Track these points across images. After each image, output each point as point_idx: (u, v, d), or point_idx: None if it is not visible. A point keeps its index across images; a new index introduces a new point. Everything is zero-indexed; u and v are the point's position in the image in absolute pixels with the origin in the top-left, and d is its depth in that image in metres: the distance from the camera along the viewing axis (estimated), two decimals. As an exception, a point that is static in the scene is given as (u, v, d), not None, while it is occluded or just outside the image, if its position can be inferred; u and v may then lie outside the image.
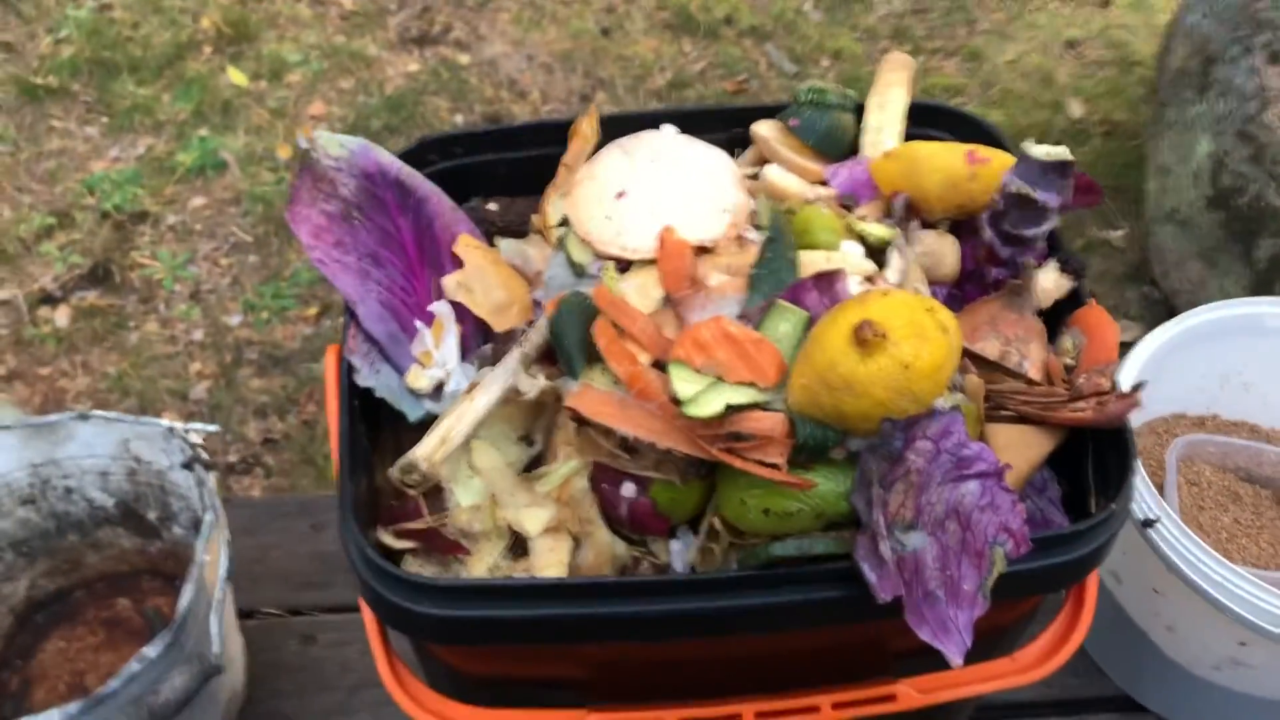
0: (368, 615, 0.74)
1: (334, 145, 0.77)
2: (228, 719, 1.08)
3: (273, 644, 1.15)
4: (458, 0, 2.97)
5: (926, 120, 0.85)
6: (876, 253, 0.75)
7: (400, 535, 0.72)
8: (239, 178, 2.55)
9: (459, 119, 2.70)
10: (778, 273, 0.70)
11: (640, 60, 2.87)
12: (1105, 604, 1.08)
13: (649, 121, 0.86)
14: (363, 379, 0.74)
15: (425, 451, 0.68)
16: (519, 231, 0.86)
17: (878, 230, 0.75)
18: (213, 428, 1.01)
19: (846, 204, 0.79)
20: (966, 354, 0.73)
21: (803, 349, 0.66)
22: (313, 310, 2.43)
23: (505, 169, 0.87)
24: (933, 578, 0.64)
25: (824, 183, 0.81)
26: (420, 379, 0.74)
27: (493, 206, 0.87)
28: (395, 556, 0.73)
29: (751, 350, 0.66)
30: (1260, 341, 1.11)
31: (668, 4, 3.00)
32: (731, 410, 0.63)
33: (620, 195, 0.76)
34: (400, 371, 0.75)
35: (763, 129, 0.84)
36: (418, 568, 0.72)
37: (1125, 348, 1.10)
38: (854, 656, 0.76)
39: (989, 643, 0.76)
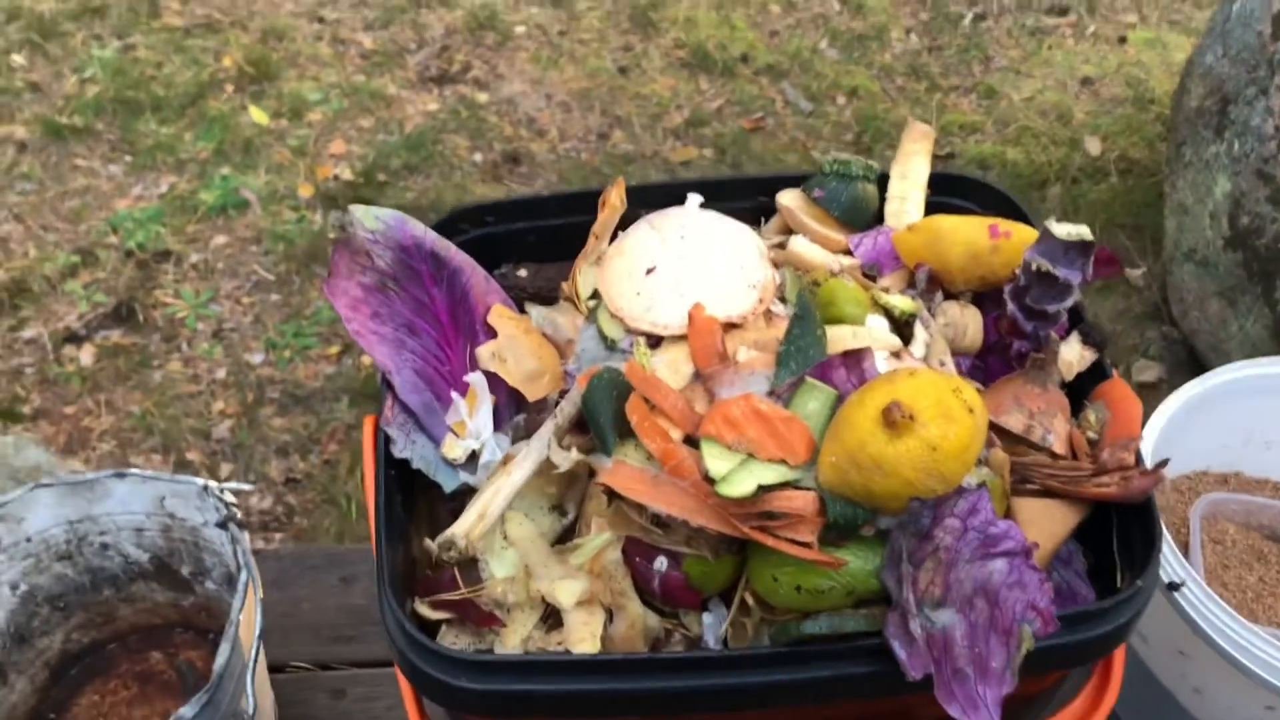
0: (404, 684, 0.76)
1: (370, 219, 0.79)
2: (258, 774, 1.10)
3: (303, 698, 1.16)
4: (477, 39, 3.01)
5: (948, 189, 0.87)
6: (900, 324, 0.76)
7: (436, 606, 0.73)
8: (260, 216, 2.58)
9: (478, 157, 2.73)
10: (806, 350, 0.72)
11: (657, 98, 2.90)
12: (1132, 665, 1.09)
13: (676, 191, 0.88)
14: (399, 450, 0.76)
15: (464, 529, 0.70)
16: (549, 298, 0.88)
17: (902, 303, 0.77)
18: (247, 486, 1.03)
19: (870, 274, 0.81)
20: (992, 428, 0.75)
21: (832, 427, 0.67)
22: (334, 349, 2.46)
23: (535, 236, 0.89)
24: (961, 655, 0.65)
25: (848, 252, 0.83)
26: (455, 449, 0.76)
27: (523, 273, 0.89)
28: (431, 627, 0.75)
29: (781, 428, 0.67)
30: (1280, 399, 1.12)
31: (685, 43, 3.03)
32: (763, 490, 0.65)
33: (650, 271, 0.78)
34: (435, 441, 0.77)
35: (787, 199, 0.86)
36: (453, 638, 0.73)
37: (1145, 389, 1.10)
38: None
39: (1015, 714, 0.78)
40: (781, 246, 0.84)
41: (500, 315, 0.81)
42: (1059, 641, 0.68)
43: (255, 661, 0.97)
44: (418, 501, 0.79)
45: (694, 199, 0.87)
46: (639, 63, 3.00)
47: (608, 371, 0.73)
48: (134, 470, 1.06)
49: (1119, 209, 2.63)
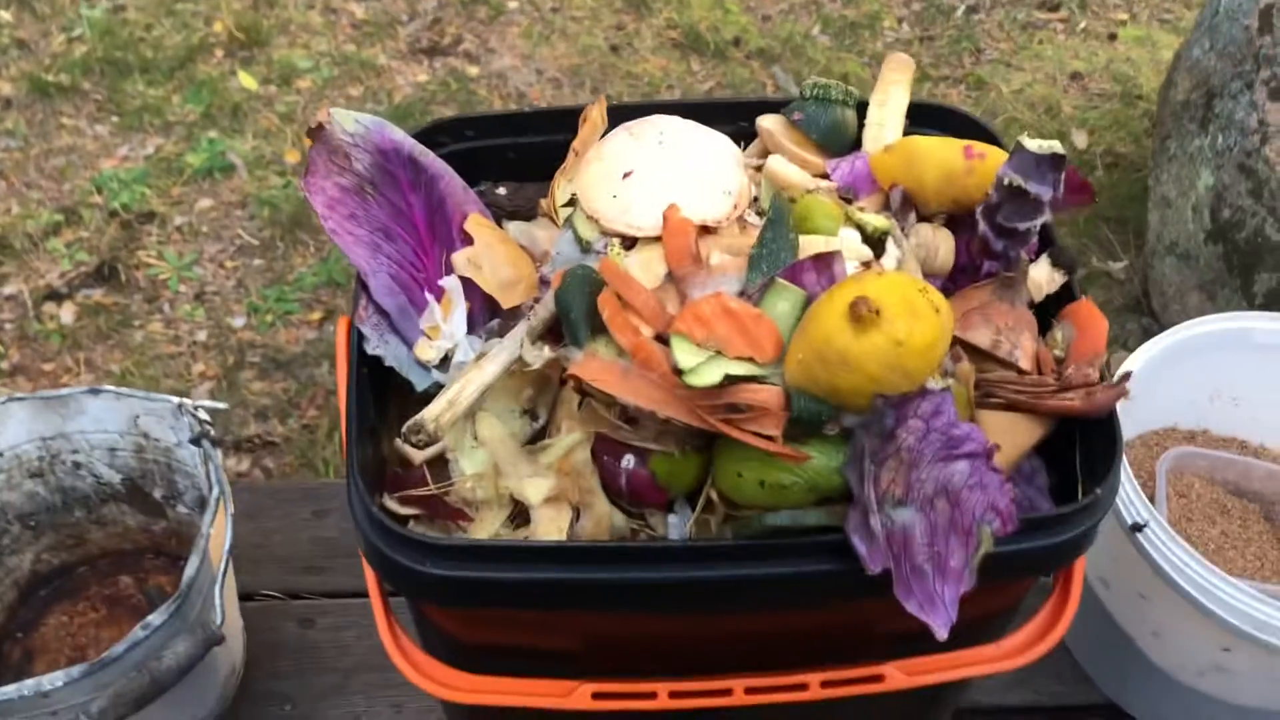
0: (371, 579, 0.77)
1: (349, 121, 0.80)
2: (226, 696, 1.11)
3: (271, 626, 1.17)
4: (469, 13, 3.01)
5: (926, 119, 0.88)
6: (874, 243, 0.78)
7: (405, 502, 0.74)
8: (246, 181, 2.59)
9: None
10: (777, 253, 0.73)
11: (648, 78, 2.91)
12: (1093, 610, 1.10)
13: (658, 111, 0.89)
14: (372, 347, 0.77)
15: (433, 413, 0.71)
16: (527, 215, 0.89)
17: (875, 220, 0.78)
18: (221, 405, 1.04)
19: (846, 196, 0.82)
20: (958, 342, 0.76)
21: (800, 326, 0.68)
22: (316, 315, 2.46)
23: (515, 154, 0.90)
24: (921, 553, 0.66)
25: (825, 175, 0.84)
26: (428, 351, 0.77)
27: (502, 191, 0.90)
28: (399, 523, 0.76)
29: (750, 325, 0.68)
30: (1249, 357, 1.14)
31: (677, 23, 3.04)
32: (730, 381, 0.66)
33: (627, 175, 0.79)
34: (408, 344, 0.78)
35: (767, 122, 0.87)
36: (420, 533, 0.74)
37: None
38: (843, 638, 0.79)
39: (975, 630, 0.79)
40: (759, 169, 0.86)
41: (477, 223, 0.82)
42: (1019, 547, 0.70)
43: (224, 575, 0.98)
44: (389, 403, 0.80)
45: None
46: (630, 42, 3.01)
47: (582, 269, 0.74)
48: (108, 387, 1.06)
49: (1104, 202, 2.65)
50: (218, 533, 0.99)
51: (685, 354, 0.67)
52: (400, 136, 0.82)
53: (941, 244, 0.80)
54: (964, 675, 0.78)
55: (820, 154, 0.86)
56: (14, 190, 2.56)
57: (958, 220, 0.81)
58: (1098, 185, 2.74)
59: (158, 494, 1.13)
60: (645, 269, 0.74)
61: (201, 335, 2.45)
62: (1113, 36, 3.06)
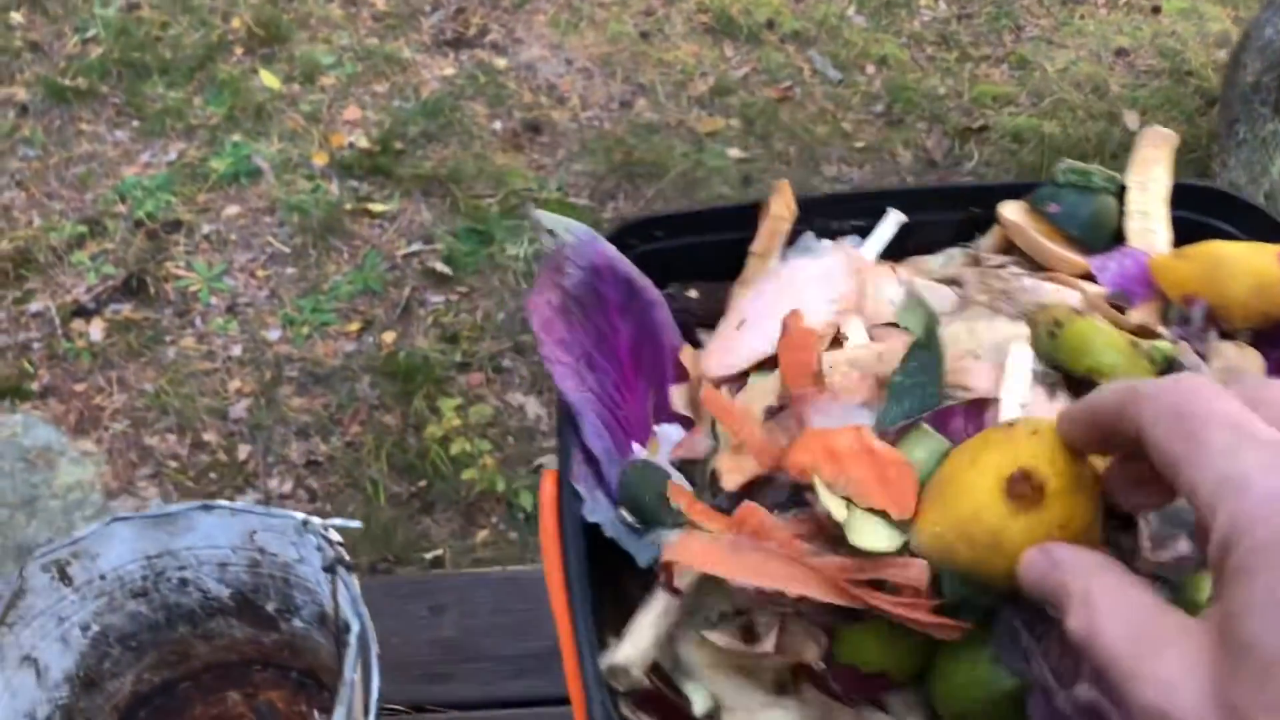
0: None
1: (560, 227, 0.65)
2: (357, 830, 0.97)
3: (394, 740, 1.04)
4: (493, 1, 2.84)
5: (1193, 204, 0.74)
6: (1159, 371, 0.64)
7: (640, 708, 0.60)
8: (274, 185, 2.43)
9: (497, 125, 2.58)
10: (925, 387, 0.59)
11: (681, 65, 2.75)
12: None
13: (867, 203, 0.75)
14: (590, 512, 0.62)
15: (628, 657, 0.57)
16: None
17: (1164, 347, 0.64)
18: (355, 524, 0.89)
19: (1118, 304, 0.69)
20: None
21: (934, 486, 0.54)
22: (354, 326, 2.32)
23: (707, 253, 0.75)
24: None
25: (1088, 277, 0.70)
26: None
27: (693, 294, 0.75)
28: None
29: (893, 474, 0.54)
30: None
31: (708, 7, 2.88)
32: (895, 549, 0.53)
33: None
34: (614, 500, 0.64)
35: (1012, 213, 0.72)
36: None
37: None
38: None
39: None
40: (1001, 266, 0.71)
41: (692, 359, 0.68)
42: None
43: (373, 725, 0.84)
44: (598, 569, 0.66)
45: (894, 215, 0.74)
46: (661, 28, 2.84)
47: (642, 462, 0.61)
48: (222, 503, 0.92)
49: (1158, 185, 2.53)
50: (362, 678, 0.85)
51: (831, 500, 0.53)
52: (614, 253, 0.67)
53: (1251, 367, 0.67)
54: None
55: (1078, 250, 0.72)
56: (34, 201, 2.40)
57: (1262, 336, 0.68)
58: (1151, 168, 2.60)
59: (271, 608, 0.99)
60: (750, 407, 0.61)
61: (236, 350, 2.30)
62: (1156, 9, 2.92)
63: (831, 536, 0.56)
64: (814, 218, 0.73)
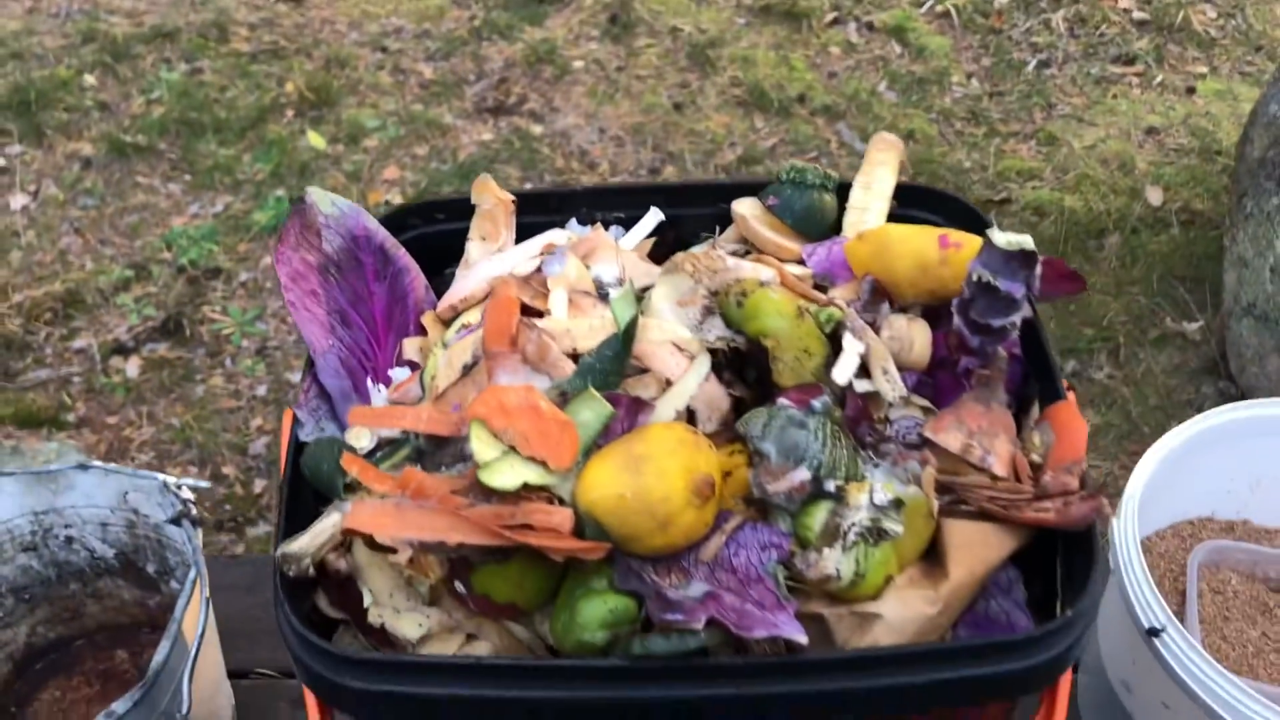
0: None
1: (326, 203, 0.77)
2: (211, 778, 1.08)
3: (264, 705, 1.14)
4: (535, 72, 3.01)
5: (914, 201, 0.82)
6: (831, 336, 0.72)
7: (334, 606, 0.70)
8: (311, 238, 2.60)
9: (528, 187, 2.73)
10: (608, 370, 0.69)
11: (711, 135, 2.88)
12: (1113, 707, 1.02)
13: (639, 196, 0.85)
14: (305, 434, 0.74)
15: (296, 548, 0.67)
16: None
17: (829, 311, 0.72)
18: (205, 484, 1.01)
19: (822, 285, 0.77)
20: (929, 445, 0.70)
21: (625, 456, 0.65)
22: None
23: (488, 238, 0.86)
24: (740, 602, 0.62)
25: (801, 262, 0.79)
26: (361, 438, 0.73)
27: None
28: (333, 625, 0.72)
29: (555, 429, 0.65)
30: (1290, 443, 1.05)
31: (742, 81, 3.01)
32: (526, 488, 0.62)
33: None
34: (343, 428, 0.75)
35: (742, 207, 0.82)
36: (351, 639, 0.70)
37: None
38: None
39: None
40: (737, 255, 0.81)
41: (433, 320, 0.79)
42: (983, 671, 0.63)
43: (194, 661, 0.95)
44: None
45: (654, 213, 0.84)
46: (694, 100, 2.98)
47: (323, 438, 0.72)
48: (96, 463, 1.05)
49: (1178, 261, 2.54)
50: (191, 617, 0.96)
51: (483, 447, 0.63)
52: (374, 226, 0.79)
53: (917, 337, 0.74)
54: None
55: (796, 239, 0.81)
56: (89, 247, 2.61)
57: (936, 313, 0.75)
58: (1173, 243, 2.63)
59: (150, 569, 1.11)
60: (450, 361, 0.71)
61: (261, 390, 2.46)
62: (1191, 90, 2.95)
63: (486, 488, 0.66)
64: (579, 207, 0.83)
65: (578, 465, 0.67)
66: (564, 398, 0.68)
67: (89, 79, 2.90)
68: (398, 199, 2.67)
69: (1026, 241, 0.69)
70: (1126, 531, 0.95)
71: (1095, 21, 3.10)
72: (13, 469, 1.04)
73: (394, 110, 2.85)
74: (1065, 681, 0.71)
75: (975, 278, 0.70)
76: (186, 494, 1.00)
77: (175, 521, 0.99)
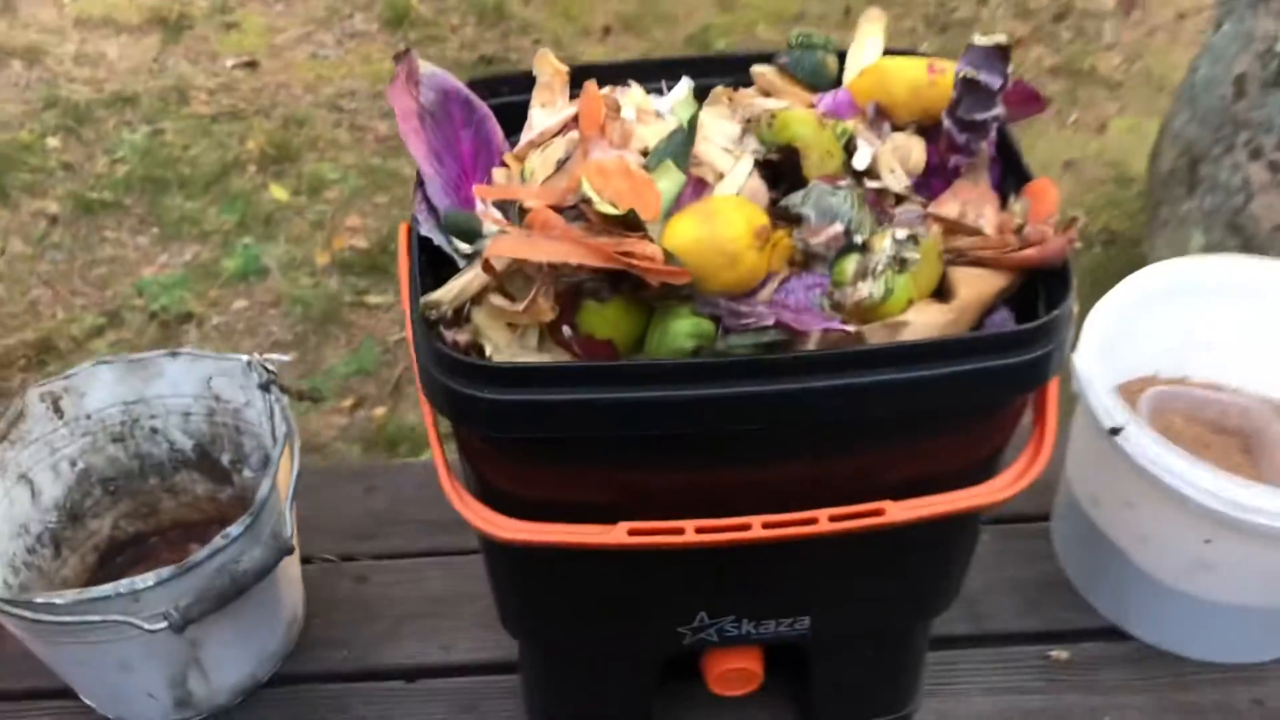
0: (431, 431, 0.92)
1: (423, 65, 0.98)
2: (290, 638, 1.23)
3: (328, 584, 1.30)
4: (488, 127, 3.25)
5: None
6: (847, 146, 0.94)
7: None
8: (280, 282, 2.78)
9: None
10: (679, 150, 0.93)
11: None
12: (1086, 531, 1.23)
13: (670, 67, 1.07)
14: (424, 230, 0.94)
15: (444, 294, 0.88)
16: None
17: (843, 124, 0.95)
18: (287, 358, 1.19)
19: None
20: (931, 216, 0.92)
21: (698, 212, 0.87)
22: (348, 402, 2.61)
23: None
24: (797, 317, 0.86)
25: (812, 107, 1.01)
26: (468, 244, 0.94)
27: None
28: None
29: (643, 188, 0.86)
30: (1214, 301, 1.29)
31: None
32: (624, 219, 0.83)
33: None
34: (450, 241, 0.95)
35: (760, 68, 1.05)
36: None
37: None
38: (850, 488, 0.92)
39: (966, 475, 0.93)
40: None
41: (512, 159, 1.00)
42: (983, 365, 0.84)
43: (292, 497, 1.12)
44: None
45: (686, 81, 1.06)
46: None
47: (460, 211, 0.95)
48: (186, 349, 1.22)
49: (1103, 275, 2.82)
50: (285, 463, 1.13)
51: (594, 196, 0.84)
52: (459, 83, 1.00)
53: (914, 147, 0.97)
54: (957, 506, 0.91)
55: (807, 91, 1.03)
56: (60, 298, 2.76)
57: (928, 130, 0.98)
58: (1095, 260, 2.92)
59: (225, 459, 1.27)
60: (546, 159, 0.94)
61: (237, 426, 2.60)
62: (1103, 127, 3.28)
63: (598, 228, 0.86)
64: (623, 78, 1.05)
65: (661, 221, 0.87)
66: (645, 171, 0.89)
67: (52, 141, 3.08)
68: (361, 243, 2.86)
69: (1002, 39, 0.92)
70: (1085, 360, 1.17)
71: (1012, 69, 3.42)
72: (111, 357, 1.21)
73: (353, 163, 3.07)
74: (1053, 396, 0.92)
75: (962, 75, 0.92)
76: (271, 365, 1.18)
77: (264, 388, 1.17)
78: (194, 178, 3.01)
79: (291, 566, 1.22)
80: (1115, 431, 1.12)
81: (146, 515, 1.30)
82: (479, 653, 1.25)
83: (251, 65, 3.34)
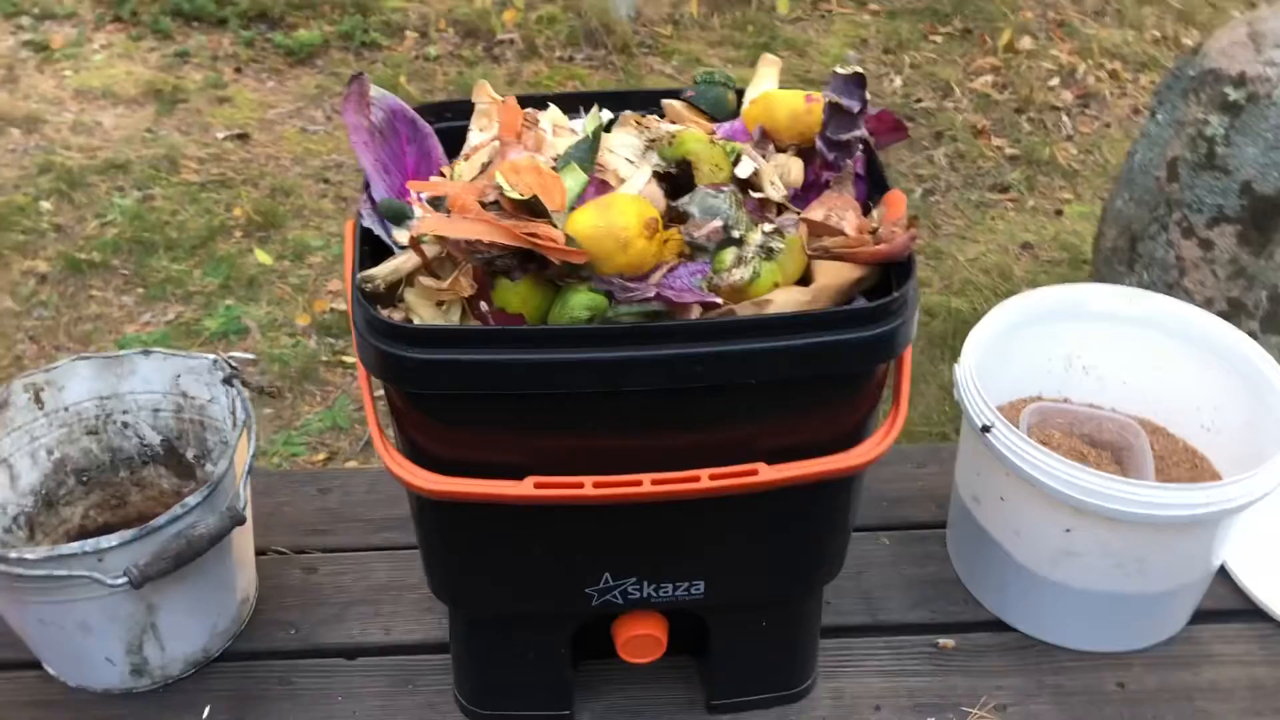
0: (367, 395, 1.08)
1: (374, 89, 1.17)
2: (241, 618, 1.38)
3: (281, 573, 1.45)
4: (466, 201, 3.45)
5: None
6: (735, 160, 1.12)
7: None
8: (259, 340, 2.96)
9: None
10: (584, 156, 1.11)
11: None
12: (969, 528, 1.38)
13: (585, 100, 1.25)
14: (366, 222, 1.12)
15: (374, 271, 1.06)
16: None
17: (733, 144, 1.13)
18: (250, 356, 1.35)
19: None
20: (804, 220, 1.09)
21: (597, 205, 1.05)
22: (321, 456, 2.77)
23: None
24: (676, 294, 1.04)
25: (712, 134, 1.20)
26: (403, 236, 1.11)
27: (473, 166, 1.25)
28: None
29: (549, 182, 1.04)
30: (1089, 325, 1.46)
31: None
32: (531, 208, 1.00)
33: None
34: (388, 232, 1.14)
35: (669, 101, 1.24)
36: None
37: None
38: (732, 455, 1.08)
39: (830, 445, 1.09)
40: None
41: (449, 170, 1.18)
42: (835, 338, 1.01)
43: (247, 474, 1.28)
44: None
45: (600, 110, 1.24)
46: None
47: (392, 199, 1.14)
48: (158, 349, 1.39)
49: (1054, 349, 3.00)
50: (242, 445, 1.29)
51: (506, 184, 1.02)
52: (405, 105, 1.19)
53: (793, 167, 1.15)
54: (822, 470, 1.07)
55: (709, 120, 1.22)
56: (44, 352, 2.93)
57: (805, 153, 1.16)
58: (1048, 335, 3.09)
59: (190, 454, 1.43)
60: (472, 162, 1.14)
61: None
62: (1059, 212, 3.48)
63: (509, 214, 1.04)
64: (546, 105, 1.24)
65: (566, 213, 1.05)
66: (553, 170, 1.07)
67: (45, 205, 3.28)
68: (341, 306, 3.04)
69: (858, 68, 1.10)
70: (964, 370, 1.34)
71: (973, 157, 3.66)
72: (88, 354, 1.38)
73: (337, 231, 3.27)
74: (905, 372, 1.09)
75: (827, 101, 1.10)
76: (234, 362, 1.35)
77: (227, 381, 1.33)
78: (181, 241, 3.21)
79: (245, 549, 1.37)
80: (986, 429, 1.28)
81: (115, 506, 1.46)
82: (416, 634, 1.40)
83: (242, 137, 3.56)
